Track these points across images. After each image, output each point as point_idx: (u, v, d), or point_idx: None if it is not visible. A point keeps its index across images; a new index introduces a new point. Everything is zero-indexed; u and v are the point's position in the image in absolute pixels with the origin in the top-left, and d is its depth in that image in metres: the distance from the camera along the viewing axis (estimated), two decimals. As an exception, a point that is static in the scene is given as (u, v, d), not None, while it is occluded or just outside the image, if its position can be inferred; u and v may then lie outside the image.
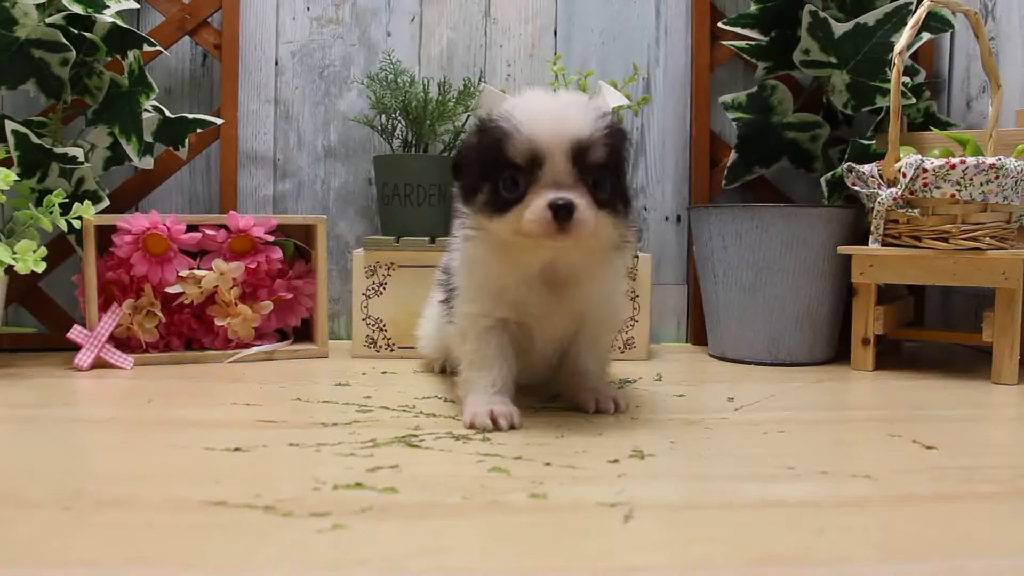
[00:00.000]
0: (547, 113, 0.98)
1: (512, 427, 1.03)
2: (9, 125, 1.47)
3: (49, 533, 0.67)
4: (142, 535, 0.67)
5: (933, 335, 1.65)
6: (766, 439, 1.01)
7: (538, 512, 0.73)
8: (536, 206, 0.96)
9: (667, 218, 1.84)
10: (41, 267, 1.38)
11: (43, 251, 1.39)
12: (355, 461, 0.88)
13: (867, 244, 1.47)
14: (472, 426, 1.03)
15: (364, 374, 1.42)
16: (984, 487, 0.84)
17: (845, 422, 1.15)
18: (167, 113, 1.61)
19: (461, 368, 1.12)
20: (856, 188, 1.50)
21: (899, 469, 0.89)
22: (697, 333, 1.81)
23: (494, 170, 0.99)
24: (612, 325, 1.22)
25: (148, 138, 1.59)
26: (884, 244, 1.45)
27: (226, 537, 0.67)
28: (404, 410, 1.14)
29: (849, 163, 1.51)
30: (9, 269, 1.37)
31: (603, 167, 0.99)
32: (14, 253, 1.37)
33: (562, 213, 0.94)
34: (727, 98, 1.72)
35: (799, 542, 0.67)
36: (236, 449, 0.93)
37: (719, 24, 1.73)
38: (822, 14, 1.57)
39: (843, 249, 1.50)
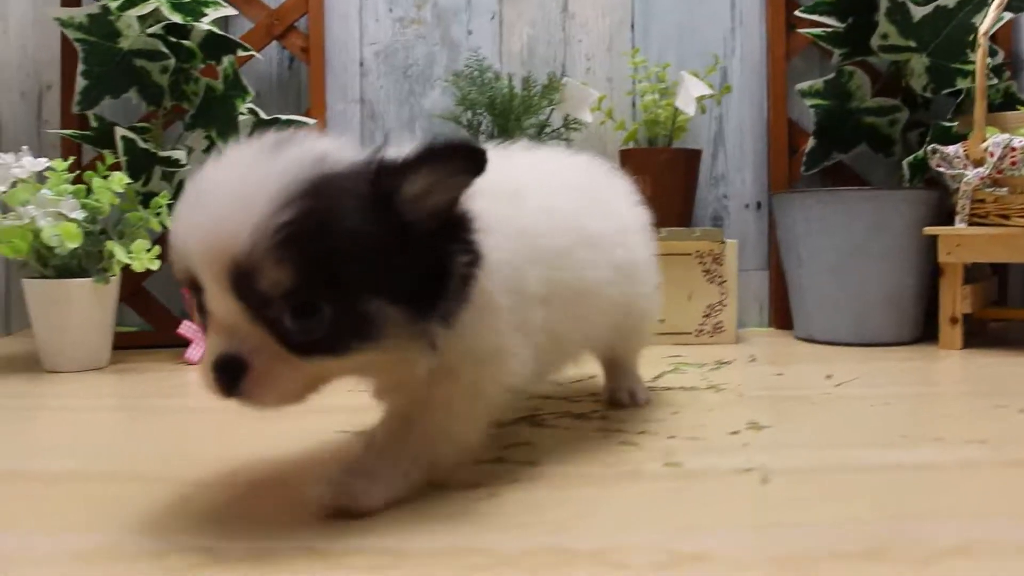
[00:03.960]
0: (200, 211, 0.61)
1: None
2: (119, 131, 1.54)
3: (154, 507, 0.72)
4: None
5: (1017, 313, 1.66)
6: (874, 411, 1.04)
7: (677, 479, 0.78)
8: (205, 356, 0.64)
9: (747, 205, 1.87)
10: (156, 265, 1.45)
11: (156, 250, 1.46)
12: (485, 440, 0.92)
13: (952, 224, 1.48)
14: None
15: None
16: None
17: (946, 396, 1.18)
18: (262, 115, 1.68)
19: None
20: (941, 169, 1.51)
21: (1012, 437, 0.91)
22: (780, 317, 1.83)
23: None
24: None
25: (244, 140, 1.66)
26: (970, 224, 1.47)
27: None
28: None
29: (933, 145, 1.52)
30: (123, 268, 1.45)
31: (303, 289, 0.60)
32: (129, 252, 1.44)
33: (225, 376, 0.62)
34: (804, 85, 1.75)
35: (928, 500, 0.71)
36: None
37: (796, 12, 1.74)
38: (900, -1, 1.59)
39: (929, 230, 1.51)
